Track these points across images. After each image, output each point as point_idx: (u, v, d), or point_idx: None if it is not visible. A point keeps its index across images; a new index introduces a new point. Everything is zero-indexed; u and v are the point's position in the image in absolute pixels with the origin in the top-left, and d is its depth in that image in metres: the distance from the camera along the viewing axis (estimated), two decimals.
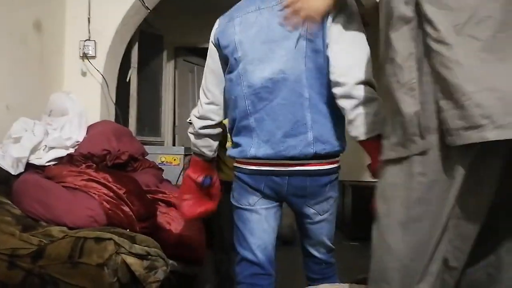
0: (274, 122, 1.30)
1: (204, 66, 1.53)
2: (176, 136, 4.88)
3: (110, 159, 2.15)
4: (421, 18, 0.91)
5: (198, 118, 1.53)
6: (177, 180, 3.19)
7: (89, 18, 2.85)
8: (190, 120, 1.62)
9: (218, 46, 1.42)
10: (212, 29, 1.46)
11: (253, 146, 1.34)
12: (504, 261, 0.99)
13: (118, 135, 2.31)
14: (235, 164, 1.44)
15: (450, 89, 0.86)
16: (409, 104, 0.91)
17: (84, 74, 2.91)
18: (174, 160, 3.43)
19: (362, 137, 1.22)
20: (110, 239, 1.56)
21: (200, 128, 1.53)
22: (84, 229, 1.67)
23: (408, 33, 0.93)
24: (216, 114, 1.51)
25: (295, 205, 1.40)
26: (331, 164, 1.34)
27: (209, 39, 1.47)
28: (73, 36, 2.88)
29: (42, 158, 2.09)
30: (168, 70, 4.77)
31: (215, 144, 1.58)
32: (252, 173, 1.37)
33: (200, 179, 1.60)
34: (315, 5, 1.20)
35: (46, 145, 2.12)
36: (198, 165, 1.61)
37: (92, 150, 2.14)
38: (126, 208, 1.82)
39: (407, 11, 0.93)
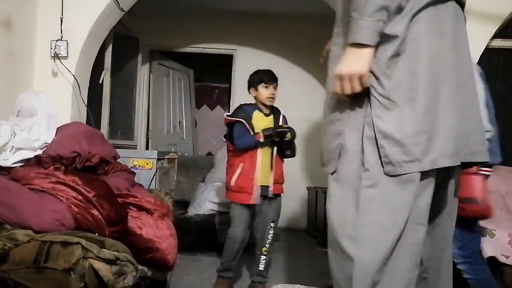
0: None
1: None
2: (150, 140, 4.83)
3: (80, 162, 2.10)
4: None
5: None
6: (149, 184, 3.15)
7: (61, 18, 2.80)
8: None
9: None
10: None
11: None
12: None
13: (89, 137, 2.25)
14: None
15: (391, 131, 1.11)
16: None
17: (55, 74, 2.84)
18: (147, 164, 3.39)
19: None
20: (77, 243, 1.51)
21: None
22: (51, 233, 1.61)
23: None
24: None
25: None
26: None
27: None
28: (44, 36, 2.82)
29: (9, 159, 2.02)
30: (143, 73, 4.72)
31: None
32: None
33: None
34: None
35: (13, 146, 2.06)
36: None
37: (61, 152, 2.08)
38: (95, 212, 1.78)
39: None
